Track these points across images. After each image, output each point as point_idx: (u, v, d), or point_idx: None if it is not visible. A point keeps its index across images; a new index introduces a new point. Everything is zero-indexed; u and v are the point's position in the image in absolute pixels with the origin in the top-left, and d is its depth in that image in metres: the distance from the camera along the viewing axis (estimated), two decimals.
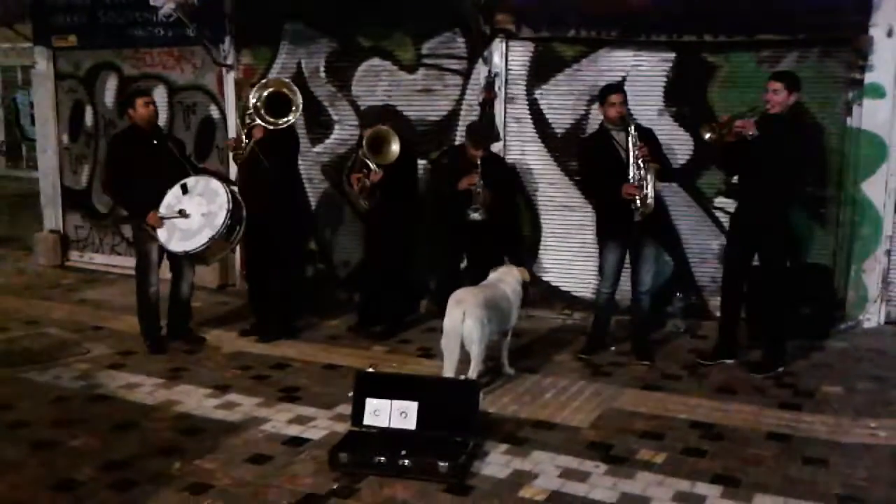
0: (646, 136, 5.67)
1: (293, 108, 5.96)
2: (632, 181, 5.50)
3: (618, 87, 5.82)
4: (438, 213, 6.78)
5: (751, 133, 5.26)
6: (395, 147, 6.12)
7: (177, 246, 5.79)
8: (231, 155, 6.41)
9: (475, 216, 6.14)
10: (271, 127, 5.89)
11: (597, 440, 4.48)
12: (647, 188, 5.50)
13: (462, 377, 4.65)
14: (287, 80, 6.28)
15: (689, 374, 5.60)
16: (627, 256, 5.85)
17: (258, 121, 5.88)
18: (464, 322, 4.89)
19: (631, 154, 5.51)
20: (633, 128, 5.53)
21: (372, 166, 6.13)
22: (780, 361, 5.57)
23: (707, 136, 5.41)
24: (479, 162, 6.14)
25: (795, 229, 6.46)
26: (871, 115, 6.26)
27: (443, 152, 7.17)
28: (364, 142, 6.18)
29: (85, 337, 6.49)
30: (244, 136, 5.99)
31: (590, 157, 5.92)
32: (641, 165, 5.50)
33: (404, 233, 6.55)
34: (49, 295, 8.02)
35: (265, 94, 5.93)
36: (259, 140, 5.91)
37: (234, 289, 8.14)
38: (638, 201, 5.49)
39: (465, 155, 6.27)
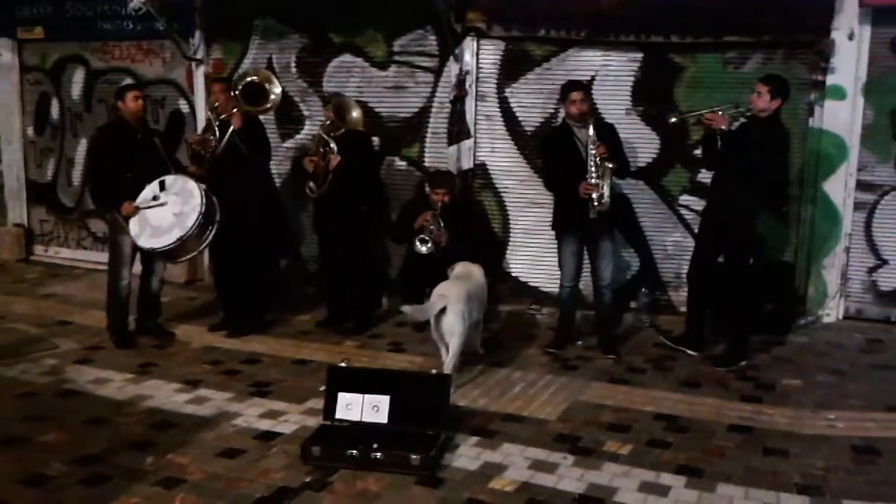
0: (606, 132, 5.78)
1: (271, 97, 6.12)
2: (588, 179, 5.60)
3: (578, 85, 5.87)
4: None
5: (721, 127, 5.37)
6: (357, 114, 6.24)
7: (146, 242, 5.77)
8: (193, 151, 6.31)
9: (421, 249, 6.11)
10: (253, 111, 6.10)
11: (565, 432, 4.56)
12: (603, 188, 5.62)
13: (433, 371, 4.69)
14: (269, 73, 6.38)
15: (655, 368, 5.71)
16: (586, 251, 5.95)
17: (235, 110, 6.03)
18: (445, 316, 4.99)
19: (589, 152, 5.62)
20: (591, 126, 5.63)
21: (332, 145, 6.12)
22: (742, 356, 5.71)
23: (672, 119, 5.55)
24: (438, 205, 6.24)
25: (760, 227, 6.63)
26: (833, 117, 6.42)
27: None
28: (333, 108, 6.21)
29: (52, 332, 6.43)
30: (215, 129, 6.03)
31: (550, 151, 6.03)
32: (598, 164, 5.61)
33: (362, 226, 6.51)
34: (14, 289, 7.93)
35: (245, 81, 6.08)
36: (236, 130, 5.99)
37: (202, 283, 8.11)
38: (595, 200, 5.60)
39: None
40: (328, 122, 6.27)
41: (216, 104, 6.19)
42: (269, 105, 6.25)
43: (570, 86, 5.83)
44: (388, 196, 7.37)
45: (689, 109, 5.67)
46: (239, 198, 6.06)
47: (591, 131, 5.61)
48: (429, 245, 6.11)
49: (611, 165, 5.63)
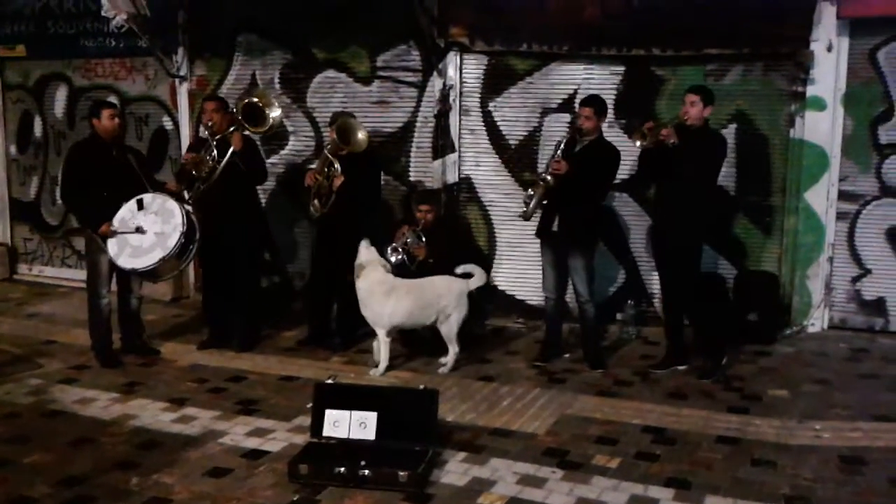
0: (598, 156, 5.75)
1: (270, 120, 6.20)
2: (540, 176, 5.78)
3: (587, 101, 5.81)
4: None
5: (672, 141, 5.42)
6: (362, 136, 6.25)
7: (126, 262, 5.71)
8: (182, 170, 6.25)
9: (391, 258, 6.14)
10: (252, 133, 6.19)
11: (553, 446, 4.56)
12: (534, 199, 5.74)
13: (421, 386, 4.68)
14: (269, 95, 6.45)
15: (642, 380, 5.72)
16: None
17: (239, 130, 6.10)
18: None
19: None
20: (561, 145, 5.74)
21: (336, 166, 6.13)
22: (718, 362, 5.73)
23: (638, 143, 5.58)
24: (421, 222, 6.29)
25: (740, 238, 6.69)
26: (813, 127, 6.48)
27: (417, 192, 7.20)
28: (335, 130, 6.22)
29: (36, 351, 6.38)
30: (213, 149, 6.04)
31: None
32: (543, 177, 5.71)
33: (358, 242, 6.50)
34: None
35: (246, 102, 6.15)
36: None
37: (187, 301, 8.08)
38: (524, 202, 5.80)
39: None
40: (332, 141, 6.27)
41: (210, 123, 6.12)
42: (266, 128, 6.25)
43: (581, 101, 5.92)
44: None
45: (643, 128, 5.69)
46: (232, 217, 6.12)
47: (561, 145, 5.72)
48: (399, 256, 6.17)
49: (549, 179, 5.67)
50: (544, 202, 5.82)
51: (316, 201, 6.28)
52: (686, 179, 5.47)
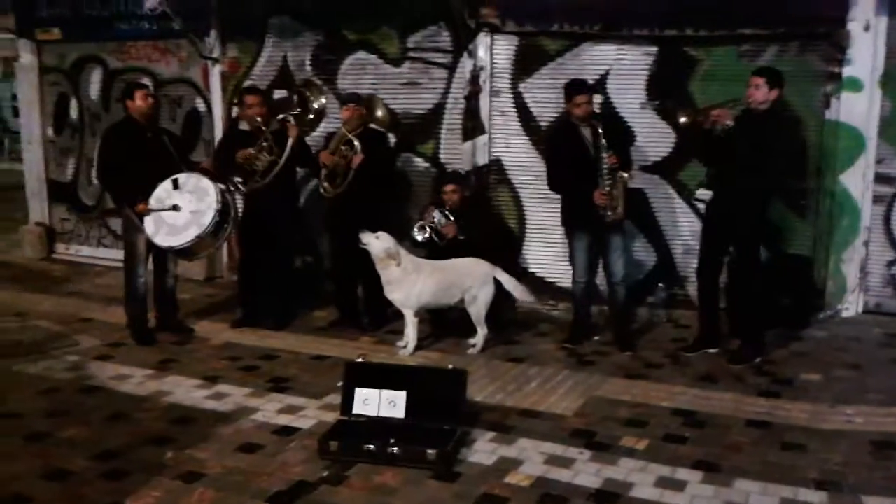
0: (613, 129, 5.76)
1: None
2: (601, 187, 5.61)
3: (583, 87, 5.77)
4: None
5: (726, 123, 5.35)
6: (381, 113, 6.34)
7: (163, 241, 5.82)
8: (243, 165, 6.28)
9: (416, 236, 6.27)
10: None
11: (581, 427, 4.57)
12: (617, 200, 5.64)
13: (450, 366, 4.70)
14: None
15: (672, 363, 5.70)
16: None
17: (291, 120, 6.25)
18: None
19: (601, 158, 5.61)
20: (601, 134, 5.60)
21: (356, 144, 6.15)
22: (757, 353, 5.67)
23: (682, 119, 5.55)
24: (448, 202, 6.31)
25: (775, 221, 6.59)
26: (849, 109, 6.37)
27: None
28: (363, 104, 6.33)
29: (74, 329, 6.51)
30: (271, 145, 6.17)
31: (555, 150, 6.05)
32: (609, 175, 5.61)
33: (376, 224, 6.51)
34: (37, 288, 8.03)
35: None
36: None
37: (221, 280, 8.19)
38: (608, 209, 5.65)
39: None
40: (353, 119, 6.29)
41: (259, 119, 6.18)
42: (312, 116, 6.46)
43: (574, 88, 5.74)
44: (404, 192, 7.39)
45: (696, 108, 5.65)
46: (277, 201, 6.27)
47: (602, 140, 5.60)
48: (427, 234, 6.24)
49: (625, 175, 5.64)
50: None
51: (326, 183, 6.30)
52: (742, 166, 5.39)
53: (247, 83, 7.76)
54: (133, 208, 5.90)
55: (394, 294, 5.88)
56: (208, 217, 5.72)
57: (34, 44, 9.15)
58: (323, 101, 6.43)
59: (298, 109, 6.30)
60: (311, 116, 6.39)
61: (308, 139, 6.80)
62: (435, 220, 6.27)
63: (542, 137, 7.03)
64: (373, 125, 6.44)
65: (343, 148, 6.22)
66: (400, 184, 7.30)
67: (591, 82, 6.23)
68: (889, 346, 6.09)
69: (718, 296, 5.90)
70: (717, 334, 5.89)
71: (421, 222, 6.32)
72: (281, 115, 6.21)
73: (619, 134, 5.88)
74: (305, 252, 7.84)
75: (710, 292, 5.86)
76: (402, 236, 6.23)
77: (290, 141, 6.15)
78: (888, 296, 6.68)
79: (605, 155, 5.59)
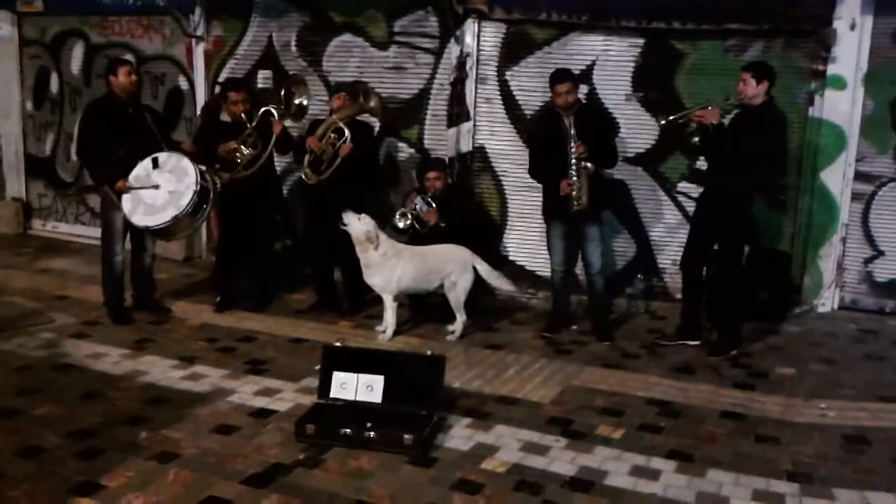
0: (593, 120, 5.78)
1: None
2: (569, 177, 5.64)
3: (565, 76, 5.75)
4: None
5: (712, 122, 5.38)
6: (374, 103, 6.32)
7: (139, 220, 5.76)
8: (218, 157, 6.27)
9: (398, 223, 6.26)
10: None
11: (557, 415, 4.59)
12: (581, 188, 5.64)
13: (428, 352, 4.70)
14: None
15: (648, 354, 5.74)
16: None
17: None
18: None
19: (569, 150, 5.64)
20: (571, 123, 5.62)
21: (346, 133, 6.12)
22: (734, 345, 5.71)
23: (661, 122, 5.62)
24: (430, 189, 6.29)
25: (755, 216, 6.63)
26: (832, 106, 6.42)
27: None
28: (360, 93, 6.30)
29: (49, 306, 6.44)
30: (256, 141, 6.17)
31: (536, 138, 6.08)
32: (575, 164, 5.63)
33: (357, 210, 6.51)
34: (12, 263, 7.93)
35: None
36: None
37: (199, 261, 8.13)
38: (573, 198, 5.66)
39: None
40: (344, 108, 6.28)
41: (243, 116, 6.12)
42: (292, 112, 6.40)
43: (556, 77, 5.73)
44: (386, 178, 7.36)
45: (677, 109, 5.68)
46: (258, 186, 6.24)
47: (572, 130, 5.62)
48: (408, 221, 6.24)
49: (589, 165, 5.63)
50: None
51: (308, 170, 6.25)
52: (730, 161, 5.41)
53: (228, 68, 7.77)
54: (112, 186, 5.83)
55: (373, 279, 5.86)
56: (187, 198, 5.66)
57: (15, 16, 8.99)
58: (306, 102, 6.35)
59: (283, 105, 6.22)
60: (293, 112, 6.32)
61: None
62: (417, 207, 6.27)
63: (526, 126, 7.02)
64: (360, 117, 6.42)
65: (332, 136, 6.19)
66: (382, 171, 7.28)
67: (575, 73, 6.22)
68: (863, 341, 6.16)
69: (702, 289, 5.93)
70: (698, 327, 5.92)
71: (403, 209, 6.33)
72: (264, 108, 6.15)
73: (603, 126, 5.87)
74: (285, 235, 7.78)
75: (694, 285, 5.89)
76: (384, 222, 6.21)
77: (274, 136, 6.13)
78: (864, 292, 6.75)
79: (572, 144, 5.61)
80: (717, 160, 5.67)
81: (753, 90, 5.37)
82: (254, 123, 6.10)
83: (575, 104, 5.71)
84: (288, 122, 6.41)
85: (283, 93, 6.34)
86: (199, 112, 7.74)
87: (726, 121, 5.59)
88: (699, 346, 5.83)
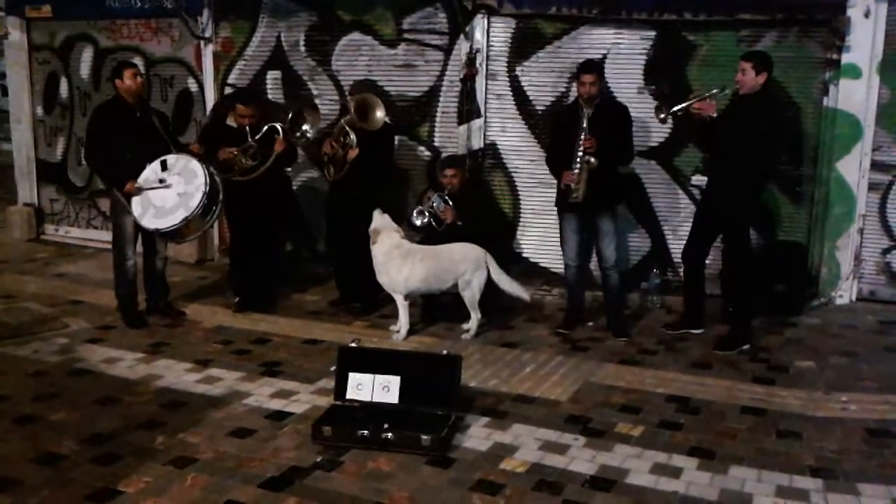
0: (613, 117, 5.73)
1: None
2: (573, 168, 5.62)
3: (590, 67, 5.73)
4: None
5: (710, 115, 5.33)
6: (380, 114, 6.20)
7: (149, 223, 5.75)
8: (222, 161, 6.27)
9: (416, 221, 6.24)
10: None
11: (576, 413, 4.55)
12: (579, 184, 5.61)
13: (444, 352, 4.67)
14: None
15: (666, 349, 5.69)
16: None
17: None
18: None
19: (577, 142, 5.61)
20: (585, 116, 5.60)
21: (351, 137, 6.12)
22: (744, 339, 5.64)
23: (661, 116, 5.57)
24: (447, 187, 6.25)
25: (769, 207, 6.57)
26: (847, 96, 6.34)
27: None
28: (351, 107, 6.20)
29: (63, 311, 6.44)
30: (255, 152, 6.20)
31: (556, 128, 6.04)
32: (580, 157, 5.59)
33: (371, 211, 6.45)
34: (25, 269, 7.95)
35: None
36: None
37: (212, 263, 8.12)
38: (572, 190, 5.65)
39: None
40: (349, 116, 6.26)
41: (248, 125, 6.14)
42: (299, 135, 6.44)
43: (582, 67, 5.76)
44: (398, 177, 7.32)
45: (675, 102, 5.60)
46: (267, 189, 6.28)
47: (585, 123, 5.59)
48: (425, 219, 6.21)
49: (592, 160, 5.58)
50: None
51: (331, 167, 6.34)
52: (731, 153, 5.37)
53: (237, 70, 7.74)
54: (120, 189, 5.82)
55: (381, 278, 5.86)
56: (196, 200, 5.65)
57: (24, 21, 9.01)
58: (311, 133, 6.40)
59: (289, 126, 6.24)
60: (297, 136, 6.35)
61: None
62: (434, 205, 6.23)
63: (537, 121, 6.98)
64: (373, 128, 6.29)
65: (343, 139, 6.22)
66: (395, 170, 7.24)
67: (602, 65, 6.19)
68: (883, 333, 6.08)
69: (703, 279, 5.88)
70: (700, 316, 5.88)
71: (420, 207, 6.31)
72: (269, 125, 6.17)
73: (620, 122, 5.79)
74: (300, 235, 7.77)
75: (694, 275, 5.86)
76: (398, 220, 6.18)
77: (274, 155, 6.15)
78: (882, 283, 6.68)
79: (581, 137, 5.57)
80: (716, 151, 5.62)
81: (752, 80, 5.33)
82: (257, 137, 6.12)
83: (596, 97, 5.66)
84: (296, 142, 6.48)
85: (292, 115, 6.31)
86: (209, 112, 7.74)
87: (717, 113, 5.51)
88: (703, 334, 5.81)
